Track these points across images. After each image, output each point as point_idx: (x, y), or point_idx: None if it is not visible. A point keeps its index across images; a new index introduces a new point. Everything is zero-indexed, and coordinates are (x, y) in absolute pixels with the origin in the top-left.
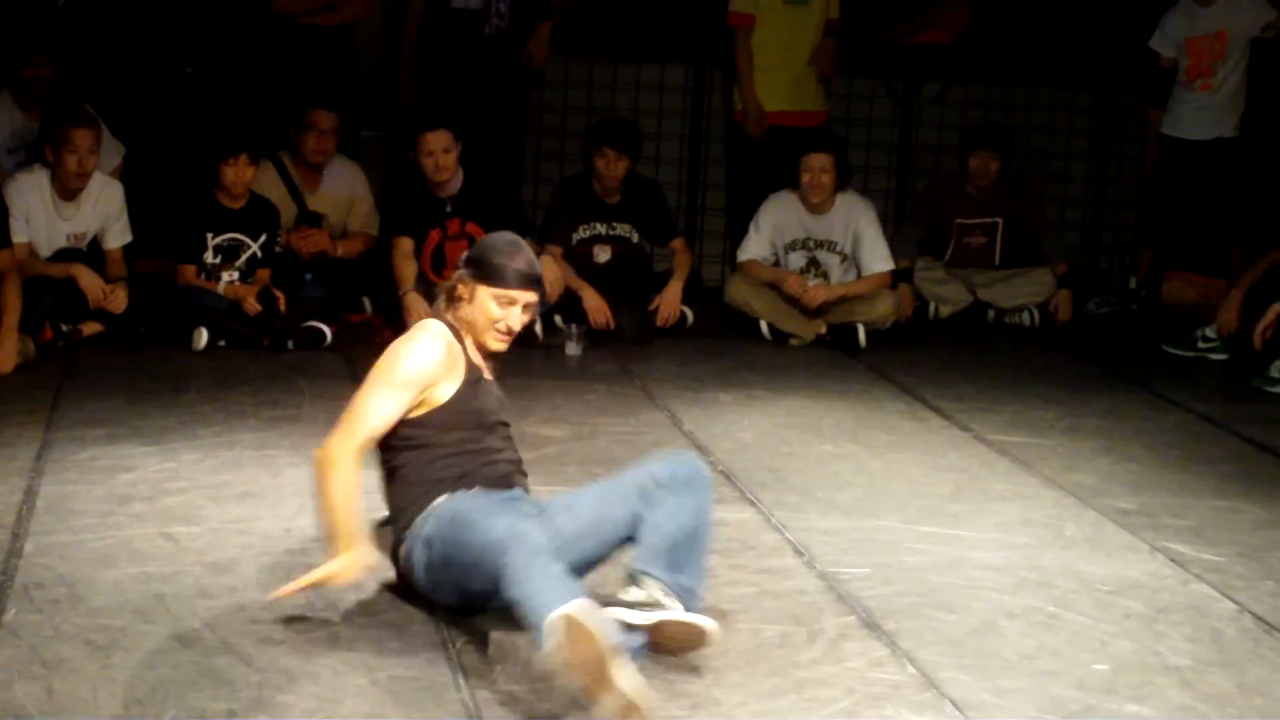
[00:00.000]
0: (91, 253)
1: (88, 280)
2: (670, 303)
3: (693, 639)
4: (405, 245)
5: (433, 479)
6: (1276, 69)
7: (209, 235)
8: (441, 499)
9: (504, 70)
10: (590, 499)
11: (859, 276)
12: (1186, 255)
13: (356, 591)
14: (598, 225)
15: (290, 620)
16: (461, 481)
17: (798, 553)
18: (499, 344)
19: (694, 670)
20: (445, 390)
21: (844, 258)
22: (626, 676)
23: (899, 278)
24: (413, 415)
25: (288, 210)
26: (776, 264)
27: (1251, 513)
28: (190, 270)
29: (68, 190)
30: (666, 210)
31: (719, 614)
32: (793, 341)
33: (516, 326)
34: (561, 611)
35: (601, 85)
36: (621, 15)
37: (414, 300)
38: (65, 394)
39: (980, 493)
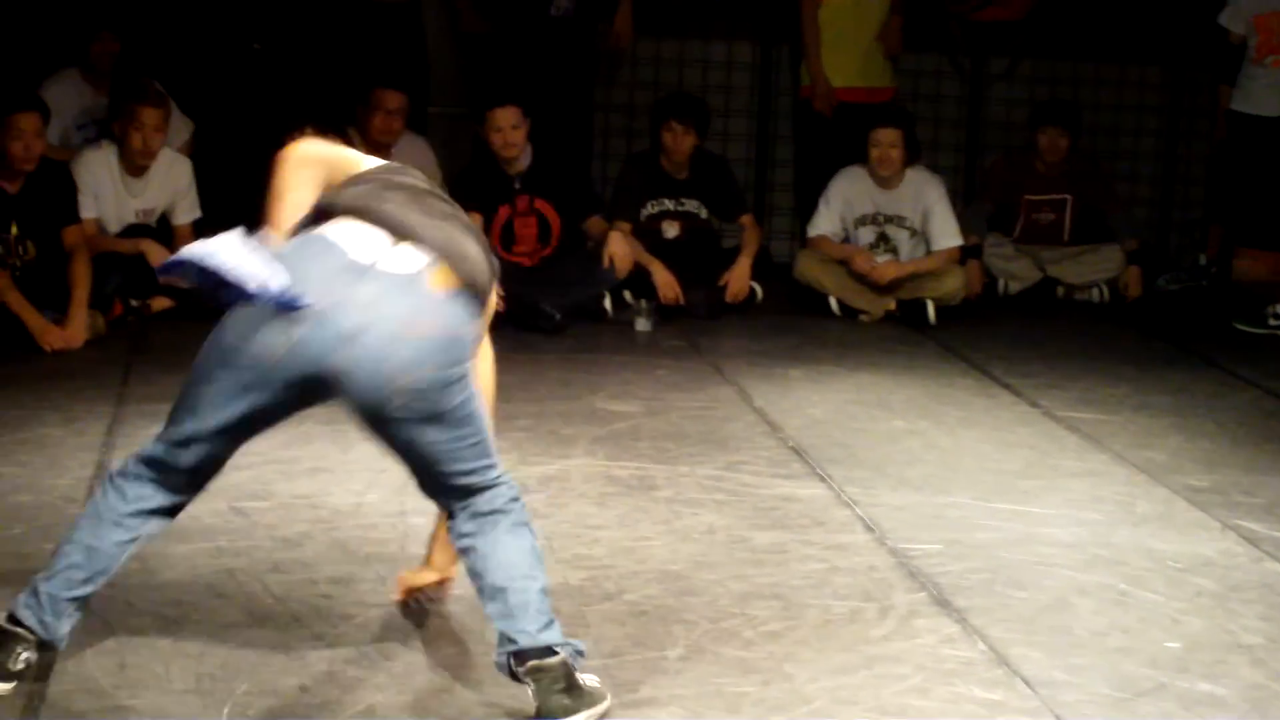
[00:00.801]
0: (160, 228)
1: (157, 255)
2: (739, 279)
3: None
4: (474, 221)
5: None
6: None
7: None
8: None
9: (571, 49)
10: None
11: (928, 252)
12: (1257, 232)
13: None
14: (666, 201)
15: (363, 596)
16: None
17: (868, 529)
18: None
19: (766, 646)
20: None
21: (913, 233)
22: None
23: (968, 254)
24: None
25: None
26: (846, 239)
27: None
28: None
29: (135, 166)
30: (735, 186)
31: (790, 590)
32: (862, 318)
33: None
34: None
35: (668, 62)
36: None
37: None
38: (135, 369)
39: (1051, 469)
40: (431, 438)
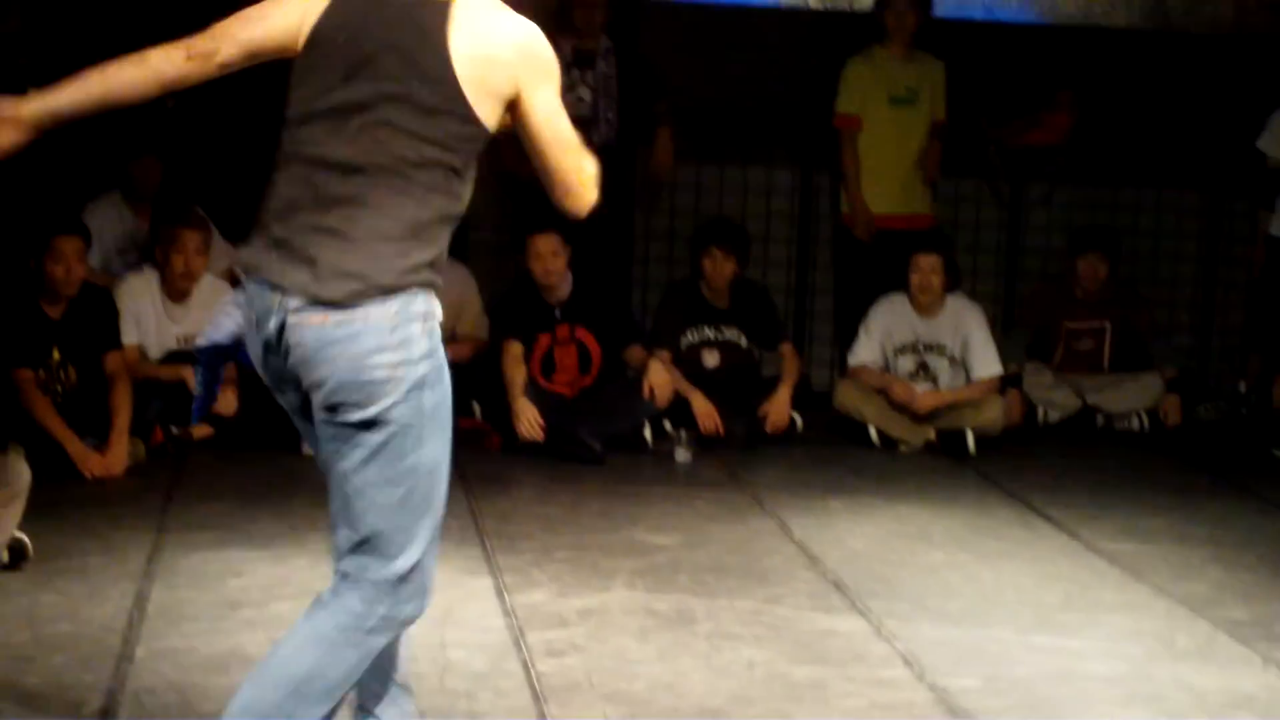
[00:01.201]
0: None
1: None
2: (779, 409)
3: None
4: (515, 349)
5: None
6: None
7: None
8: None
9: (612, 176)
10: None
11: (968, 380)
12: None
13: (468, 699)
14: (706, 329)
15: None
16: None
17: (907, 664)
18: None
19: None
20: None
21: (953, 361)
22: None
23: (1008, 382)
24: None
25: None
26: (886, 368)
27: None
28: None
29: (177, 291)
30: (774, 314)
31: None
32: (902, 448)
33: None
34: None
35: (709, 188)
36: (729, 118)
37: (524, 405)
38: (176, 498)
39: (1091, 602)
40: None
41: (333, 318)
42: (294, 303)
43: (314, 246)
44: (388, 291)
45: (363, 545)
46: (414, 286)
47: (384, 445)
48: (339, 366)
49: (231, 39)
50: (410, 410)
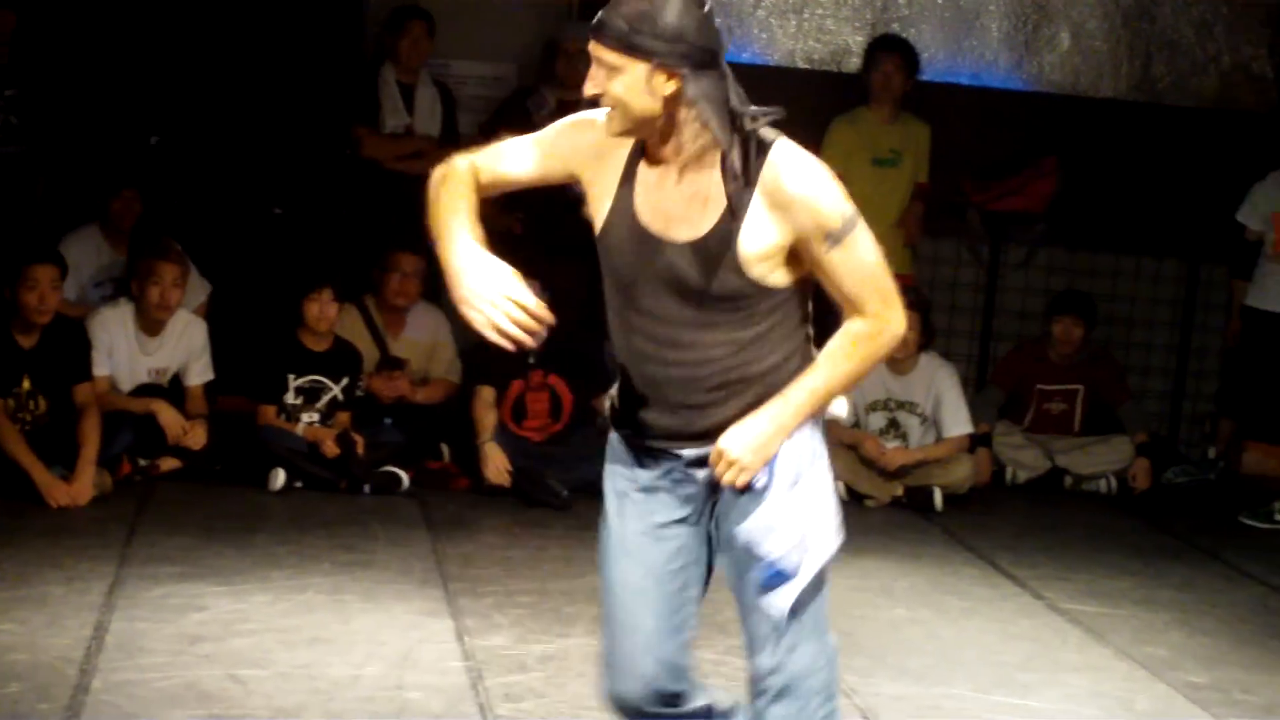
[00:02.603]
0: (172, 389)
1: (167, 416)
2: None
3: None
4: (486, 394)
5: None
6: None
7: (291, 377)
8: None
9: (585, 226)
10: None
11: (938, 438)
12: (1267, 426)
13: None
14: None
15: None
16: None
17: (865, 719)
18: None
19: None
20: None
21: (924, 419)
22: None
23: (977, 442)
24: None
25: (370, 354)
26: (856, 425)
27: None
28: (270, 411)
29: (151, 325)
30: None
31: None
32: (869, 503)
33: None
34: None
35: None
36: None
37: (492, 449)
38: (140, 530)
39: (1052, 662)
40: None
41: None
42: None
43: None
44: None
45: None
46: None
47: None
48: None
49: None
50: None
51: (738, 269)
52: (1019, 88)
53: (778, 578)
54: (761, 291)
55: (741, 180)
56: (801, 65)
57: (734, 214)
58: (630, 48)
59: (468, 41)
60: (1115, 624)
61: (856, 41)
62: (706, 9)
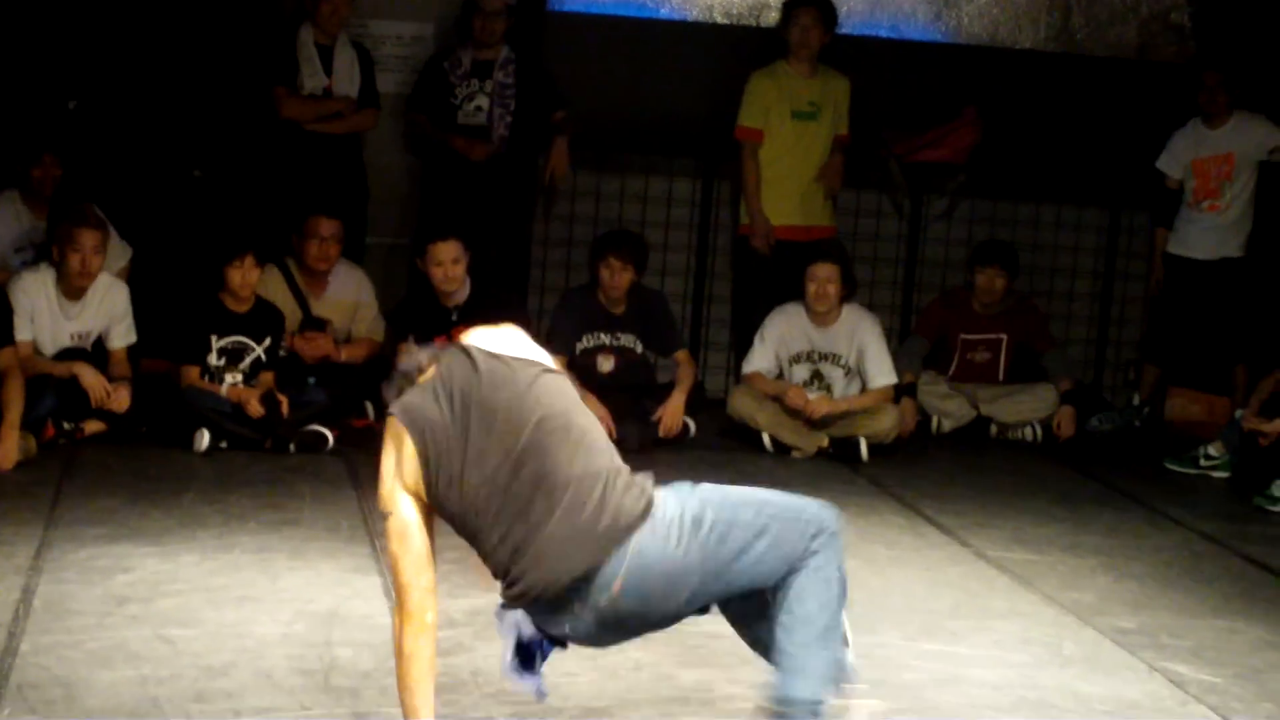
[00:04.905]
0: (95, 352)
1: (90, 379)
2: (673, 414)
3: None
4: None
5: None
6: None
7: (213, 338)
8: None
9: (509, 182)
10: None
11: (863, 390)
12: (1190, 372)
13: (353, 698)
14: (602, 335)
15: None
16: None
17: None
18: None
19: None
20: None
21: (848, 371)
22: None
23: (902, 392)
24: None
25: (292, 315)
26: (780, 376)
27: (1251, 633)
28: (194, 372)
29: (73, 289)
30: (671, 322)
31: None
32: (795, 454)
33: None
34: None
35: (609, 196)
36: (632, 128)
37: None
38: (65, 492)
39: (979, 609)
40: None
41: None
42: None
43: None
44: None
45: None
46: None
47: None
48: None
49: None
50: None
51: None
52: (938, 39)
53: None
54: None
55: None
56: (720, 20)
57: None
58: None
59: (386, 1)
60: (1042, 570)
61: None
62: None
